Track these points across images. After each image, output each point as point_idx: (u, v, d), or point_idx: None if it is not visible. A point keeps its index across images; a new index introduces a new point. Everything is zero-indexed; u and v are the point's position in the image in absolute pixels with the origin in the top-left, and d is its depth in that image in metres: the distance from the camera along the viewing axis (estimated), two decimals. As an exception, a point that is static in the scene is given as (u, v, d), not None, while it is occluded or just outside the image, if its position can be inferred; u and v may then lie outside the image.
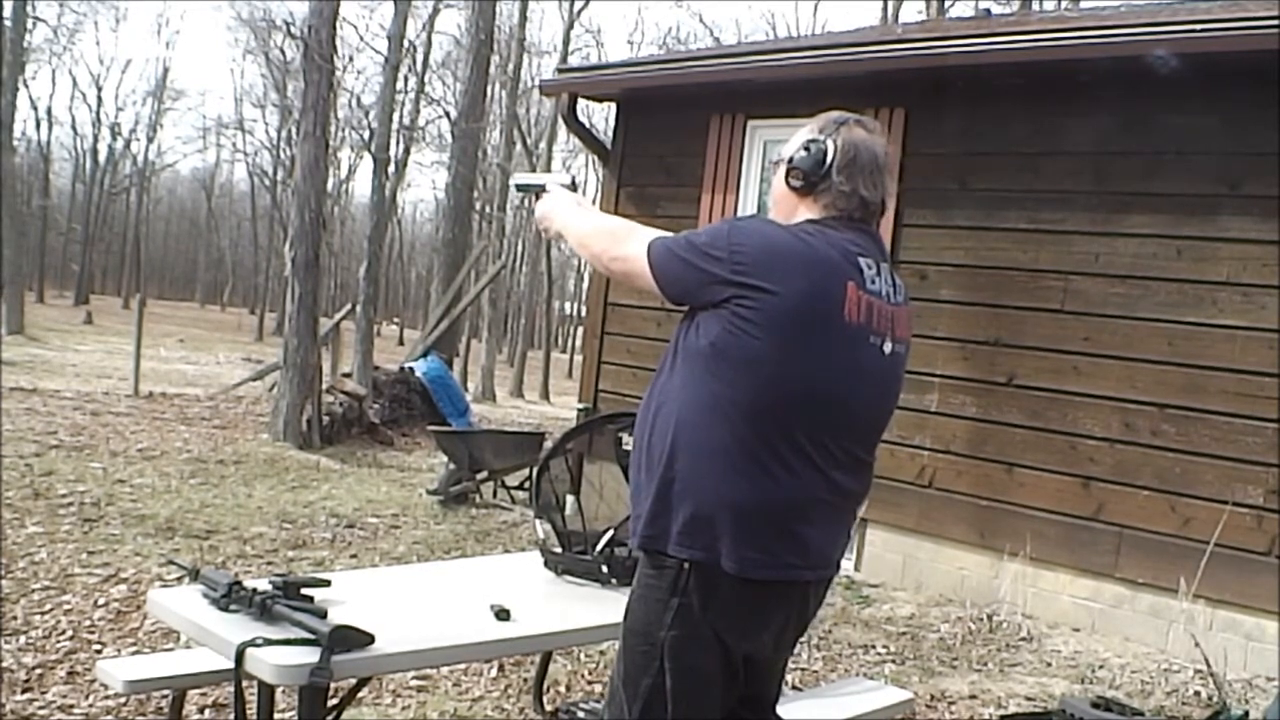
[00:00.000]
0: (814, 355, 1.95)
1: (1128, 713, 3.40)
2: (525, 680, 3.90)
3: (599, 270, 2.32)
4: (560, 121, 8.17)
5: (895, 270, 2.17)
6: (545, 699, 3.57)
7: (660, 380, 2.08)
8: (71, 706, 3.39)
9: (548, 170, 21.33)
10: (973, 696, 4.31)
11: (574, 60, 25.63)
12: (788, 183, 2.10)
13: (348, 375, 11.66)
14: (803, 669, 4.40)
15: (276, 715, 2.86)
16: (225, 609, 2.19)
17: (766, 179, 6.77)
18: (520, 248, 31.65)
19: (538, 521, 3.11)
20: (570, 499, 3.19)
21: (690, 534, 1.96)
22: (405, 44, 19.13)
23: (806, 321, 1.94)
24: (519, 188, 2.52)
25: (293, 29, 20.34)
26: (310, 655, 2.02)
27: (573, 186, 2.40)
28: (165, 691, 2.92)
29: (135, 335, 12.97)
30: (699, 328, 2.00)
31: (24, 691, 3.47)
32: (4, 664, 3.64)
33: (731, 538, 1.95)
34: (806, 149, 2.08)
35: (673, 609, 1.98)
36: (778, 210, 2.16)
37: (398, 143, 22.18)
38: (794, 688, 4.07)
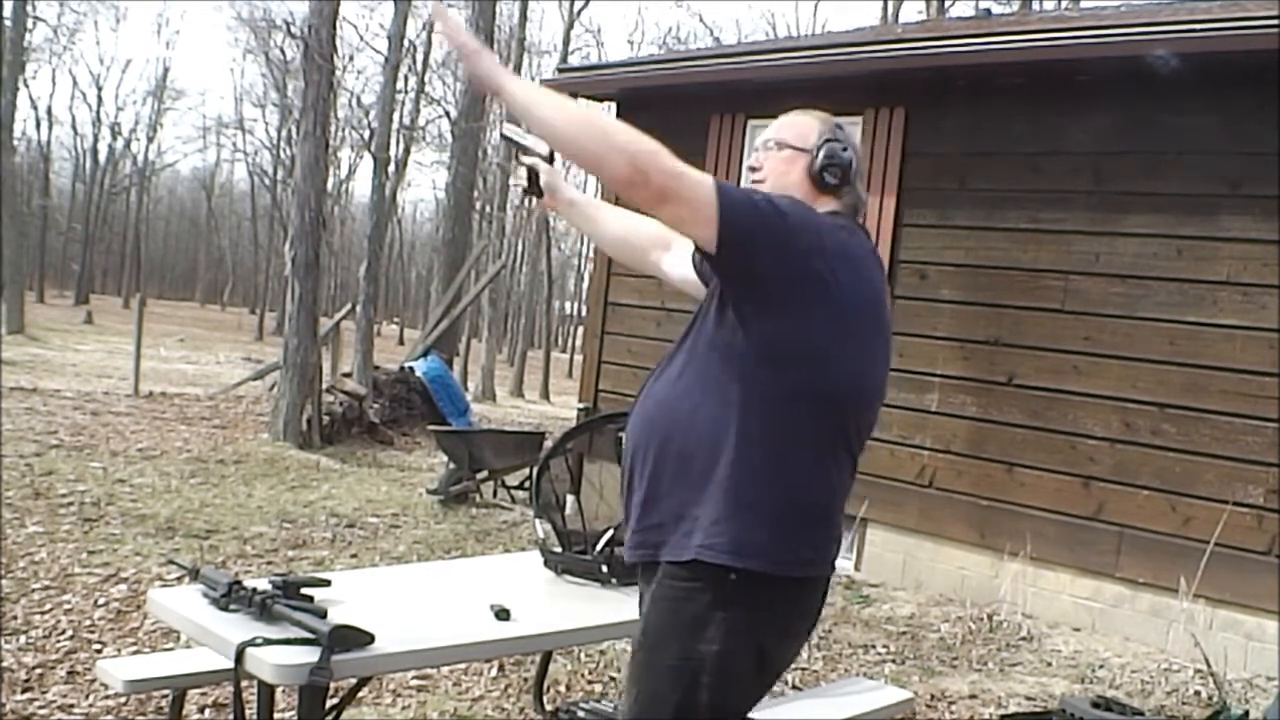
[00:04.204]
0: (868, 351, 1.95)
1: (1128, 712, 3.41)
2: (525, 680, 3.90)
3: (619, 177, 1.77)
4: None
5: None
6: (545, 699, 3.57)
7: (683, 378, 1.94)
8: (71, 706, 3.39)
9: None
10: (973, 696, 4.31)
11: (574, 60, 25.63)
12: (821, 176, 2.02)
13: (348, 375, 11.66)
14: (803, 669, 4.40)
15: (276, 715, 2.86)
16: (225, 609, 2.19)
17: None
18: (520, 248, 31.62)
19: (538, 521, 3.11)
20: (570, 499, 3.19)
21: (751, 539, 1.85)
22: (405, 44, 19.14)
23: (866, 317, 1.93)
24: (504, 137, 2.44)
25: (293, 29, 20.38)
26: (310, 655, 2.02)
27: (550, 159, 2.32)
28: (165, 691, 2.92)
29: (135, 335, 12.98)
30: (742, 317, 1.86)
31: (24, 691, 3.46)
32: (4, 664, 3.64)
33: (790, 538, 1.88)
34: (843, 148, 2.03)
35: (716, 620, 1.85)
36: None
37: (398, 143, 22.22)
38: (794, 688, 4.07)
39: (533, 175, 2.33)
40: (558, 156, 2.27)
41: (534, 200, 2.37)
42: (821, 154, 2.02)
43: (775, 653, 1.97)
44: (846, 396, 1.92)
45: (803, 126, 2.08)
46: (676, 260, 2.32)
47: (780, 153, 2.06)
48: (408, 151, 24.59)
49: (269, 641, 2.03)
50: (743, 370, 1.87)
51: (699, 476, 1.88)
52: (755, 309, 1.86)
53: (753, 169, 2.09)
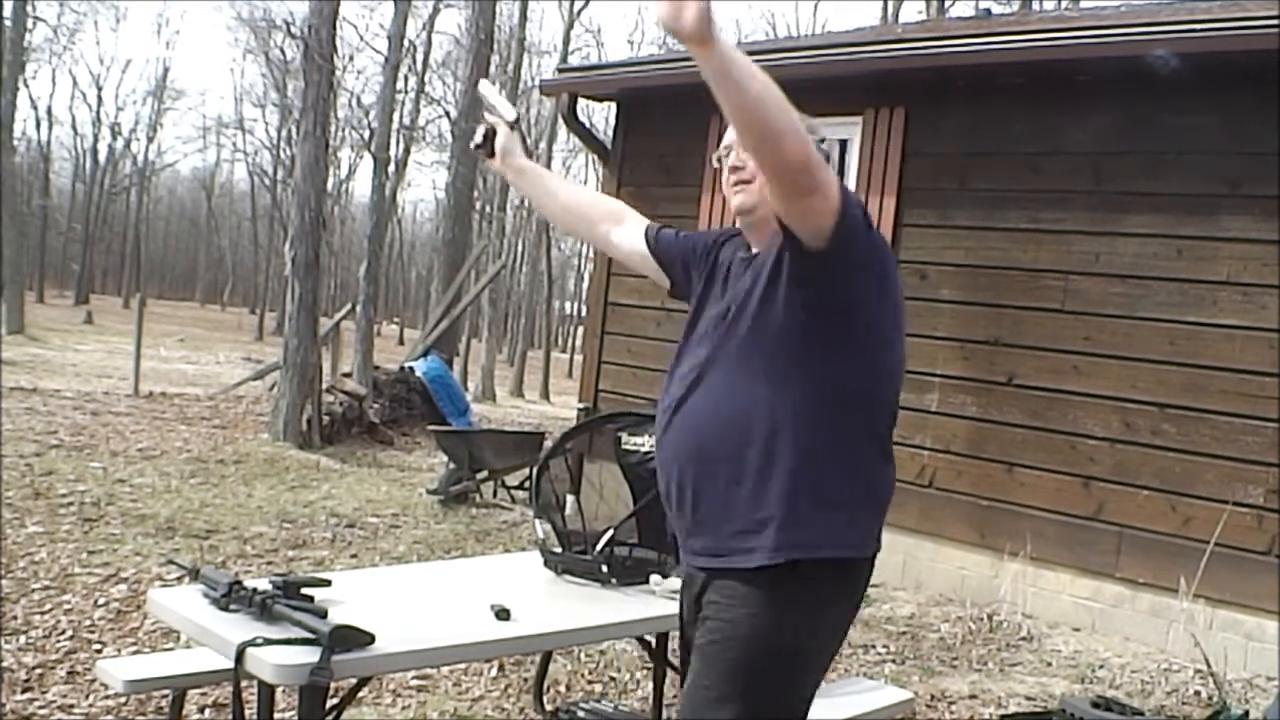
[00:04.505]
0: (901, 342, 2.01)
1: (1128, 712, 3.41)
2: (525, 680, 3.90)
3: (793, 158, 1.71)
4: (560, 121, 8.16)
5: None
6: (545, 699, 3.57)
7: (729, 382, 1.93)
8: (71, 706, 3.39)
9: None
10: (973, 696, 4.31)
11: (574, 60, 25.63)
12: None
13: (348, 375, 11.66)
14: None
15: (276, 715, 2.85)
16: (225, 609, 2.19)
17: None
18: (520, 248, 31.64)
19: (538, 521, 3.11)
20: (570, 499, 3.19)
21: (835, 531, 1.90)
22: (405, 44, 19.16)
23: (901, 311, 2.00)
24: (479, 93, 2.51)
25: (293, 29, 20.40)
26: (310, 655, 2.02)
27: (513, 125, 2.38)
28: (165, 691, 2.92)
29: (135, 335, 12.99)
30: (814, 315, 1.87)
31: (24, 691, 3.46)
32: (4, 664, 3.64)
33: (866, 525, 1.96)
34: (822, 141, 2.01)
35: (820, 616, 1.91)
36: None
37: (398, 143, 22.26)
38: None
39: (490, 135, 2.38)
40: (519, 123, 2.38)
41: (484, 157, 2.41)
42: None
43: (835, 648, 2.04)
44: (892, 386, 2.00)
45: None
46: (625, 235, 2.33)
47: None
48: (408, 151, 24.67)
49: (269, 641, 2.03)
50: (794, 369, 1.88)
51: (769, 479, 1.88)
52: (833, 307, 1.88)
53: (735, 169, 2.01)
